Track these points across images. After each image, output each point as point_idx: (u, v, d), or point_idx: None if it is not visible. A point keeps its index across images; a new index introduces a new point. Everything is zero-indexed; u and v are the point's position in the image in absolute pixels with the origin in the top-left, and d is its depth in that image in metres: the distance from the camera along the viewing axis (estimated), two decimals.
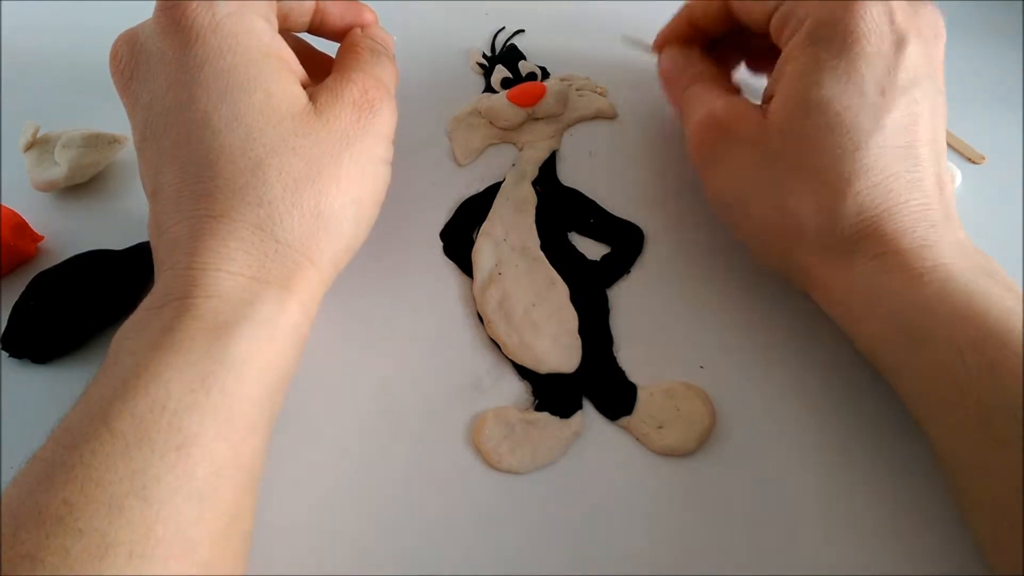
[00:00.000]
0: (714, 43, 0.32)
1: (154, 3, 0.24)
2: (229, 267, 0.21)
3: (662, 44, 0.33)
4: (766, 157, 0.25)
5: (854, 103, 0.23)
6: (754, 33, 0.28)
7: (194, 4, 0.23)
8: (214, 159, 0.22)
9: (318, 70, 0.28)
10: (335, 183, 0.24)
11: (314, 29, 0.29)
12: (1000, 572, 0.21)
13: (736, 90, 0.29)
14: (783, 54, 0.26)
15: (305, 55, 0.30)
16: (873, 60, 0.23)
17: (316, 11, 0.28)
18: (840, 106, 0.23)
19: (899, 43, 0.23)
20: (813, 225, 0.24)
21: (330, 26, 0.29)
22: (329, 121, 0.24)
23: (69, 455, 0.18)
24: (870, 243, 0.23)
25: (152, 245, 0.23)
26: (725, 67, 0.32)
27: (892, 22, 0.24)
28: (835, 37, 0.24)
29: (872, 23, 0.23)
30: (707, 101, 0.28)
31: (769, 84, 0.26)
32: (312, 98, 0.25)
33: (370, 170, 0.25)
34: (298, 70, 0.25)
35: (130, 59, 0.24)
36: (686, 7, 0.32)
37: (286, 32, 0.28)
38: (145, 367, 0.19)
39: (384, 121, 0.26)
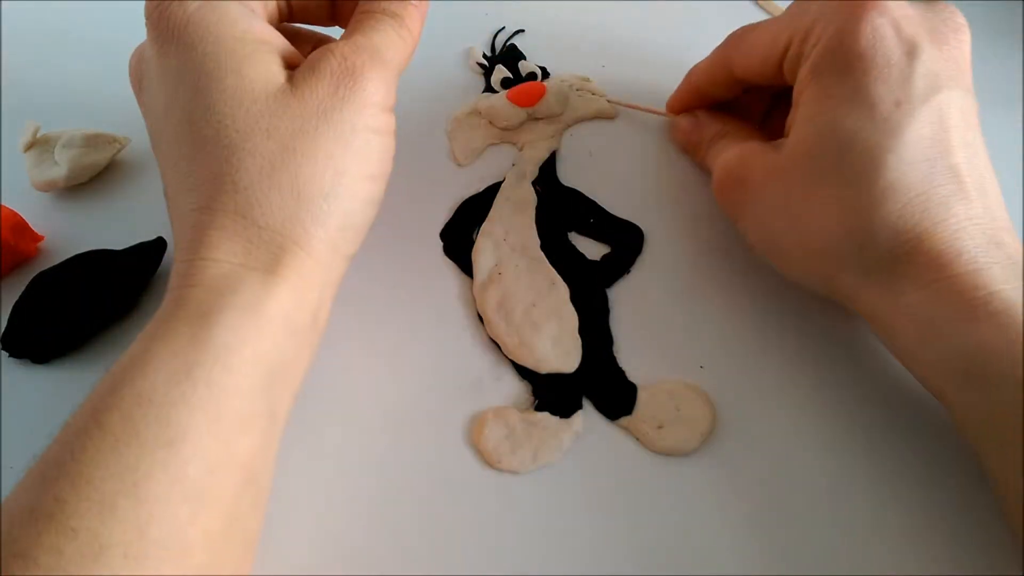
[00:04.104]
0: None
1: None
2: (214, 255, 0.21)
3: (676, 110, 0.32)
4: (789, 191, 0.24)
5: (866, 122, 0.22)
6: (765, 87, 0.27)
7: (168, 4, 0.23)
8: (195, 153, 0.22)
9: None
10: (312, 160, 0.22)
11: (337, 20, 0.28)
12: None
13: (761, 136, 0.28)
14: (796, 87, 0.25)
15: (313, 42, 0.29)
16: (883, 74, 0.22)
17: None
18: (851, 127, 0.23)
19: (910, 52, 0.23)
20: (848, 250, 0.23)
21: (348, 13, 0.27)
22: (304, 95, 0.23)
23: (61, 451, 0.18)
24: (915, 267, 0.22)
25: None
26: (748, 118, 0.31)
27: (899, 32, 0.23)
28: (838, 60, 0.23)
29: (874, 37, 0.23)
30: (723, 156, 0.27)
31: (788, 118, 0.26)
32: (291, 75, 0.24)
33: (355, 142, 0.23)
34: (283, 49, 0.24)
35: (138, 69, 0.25)
36: (691, 75, 0.31)
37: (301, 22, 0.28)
38: (131, 360, 0.19)
39: (368, 88, 0.23)
